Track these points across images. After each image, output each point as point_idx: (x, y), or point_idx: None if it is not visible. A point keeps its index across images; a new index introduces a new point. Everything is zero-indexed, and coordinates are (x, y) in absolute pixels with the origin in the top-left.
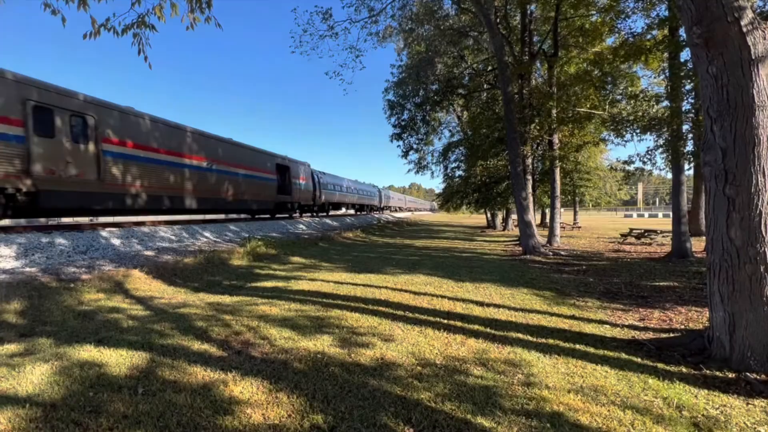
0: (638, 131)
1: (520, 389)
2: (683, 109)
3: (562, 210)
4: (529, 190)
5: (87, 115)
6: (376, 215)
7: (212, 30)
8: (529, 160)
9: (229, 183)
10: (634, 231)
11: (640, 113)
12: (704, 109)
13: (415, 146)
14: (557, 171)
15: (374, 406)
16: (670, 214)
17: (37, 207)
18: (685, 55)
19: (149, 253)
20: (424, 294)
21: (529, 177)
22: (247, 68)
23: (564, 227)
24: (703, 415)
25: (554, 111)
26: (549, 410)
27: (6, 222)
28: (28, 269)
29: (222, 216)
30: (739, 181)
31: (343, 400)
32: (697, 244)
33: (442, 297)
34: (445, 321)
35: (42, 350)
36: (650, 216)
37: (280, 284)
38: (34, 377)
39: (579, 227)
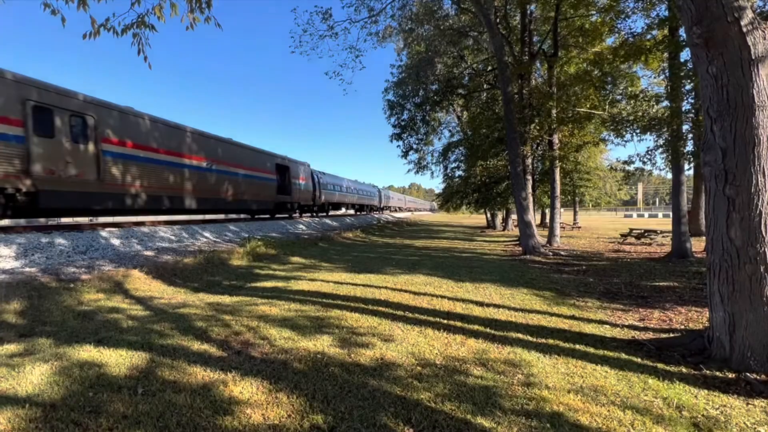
0: (638, 131)
1: (520, 389)
2: (683, 109)
3: (562, 210)
4: (529, 190)
5: (87, 115)
6: (375, 215)
7: (212, 30)
8: (529, 160)
9: (228, 183)
10: (634, 231)
11: (640, 113)
12: (704, 109)
13: (414, 146)
14: (557, 171)
15: (374, 407)
16: (670, 214)
17: (37, 207)
18: (685, 55)
19: (149, 253)
20: (424, 294)
21: (529, 177)
22: (247, 68)
23: (564, 227)
24: (703, 415)
25: (554, 111)
26: (549, 410)
27: (6, 222)
28: (27, 269)
29: (222, 216)
30: (739, 181)
31: (342, 401)
32: (697, 244)
33: (442, 297)
34: (445, 321)
35: (42, 350)
36: (650, 216)
37: (280, 284)
38: (34, 377)
39: (579, 227)
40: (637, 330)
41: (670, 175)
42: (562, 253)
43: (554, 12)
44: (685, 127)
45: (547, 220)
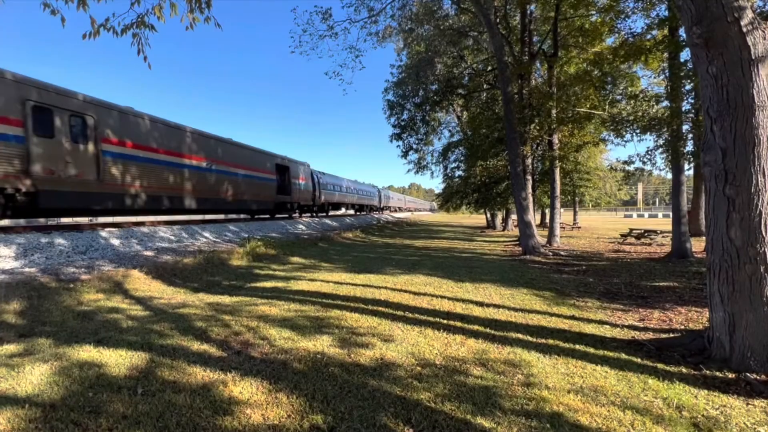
0: (638, 131)
1: (520, 389)
2: (683, 109)
3: (562, 210)
4: (529, 190)
5: (86, 115)
6: (375, 215)
7: (212, 30)
8: (529, 160)
9: (228, 183)
10: (634, 231)
11: (640, 113)
12: (704, 109)
13: (414, 146)
14: (557, 171)
15: (374, 407)
16: (670, 214)
17: (37, 207)
18: (685, 55)
19: (149, 253)
20: (424, 294)
21: (529, 177)
22: (247, 68)
23: (564, 227)
24: (703, 415)
25: (554, 111)
26: (549, 410)
27: (5, 222)
28: (27, 269)
29: (221, 216)
30: (739, 181)
31: (342, 401)
32: (697, 244)
33: (442, 297)
34: (445, 321)
35: (41, 350)
36: (650, 216)
37: (280, 284)
38: (34, 377)
39: (579, 227)
40: (637, 330)
41: (670, 175)
42: (562, 253)
43: (554, 12)
44: (685, 127)
45: (547, 220)
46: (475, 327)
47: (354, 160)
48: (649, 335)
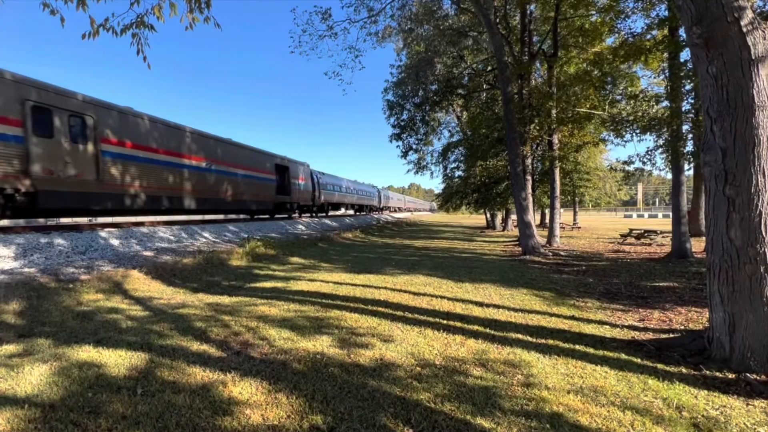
0: (638, 131)
1: (520, 390)
2: (683, 109)
3: (562, 210)
4: (529, 190)
5: (86, 115)
6: (375, 216)
7: (212, 30)
8: (529, 161)
9: (228, 183)
10: (634, 231)
11: (639, 113)
12: (704, 109)
13: (414, 146)
14: (557, 171)
15: (373, 407)
16: (670, 214)
17: (36, 207)
18: (685, 55)
19: (148, 253)
20: (424, 294)
21: (529, 177)
22: (247, 68)
23: (564, 227)
24: (702, 415)
25: (554, 111)
26: (548, 411)
27: (5, 222)
28: (26, 270)
29: (221, 216)
30: (739, 181)
31: (342, 401)
32: (697, 245)
33: (442, 297)
34: (445, 321)
35: (41, 351)
36: (650, 216)
37: (280, 285)
38: (33, 378)
39: (579, 227)
40: (637, 330)
41: (670, 176)
42: (562, 253)
43: (554, 12)
44: (685, 127)
45: (547, 221)
46: (475, 327)
47: (354, 160)
48: (649, 335)
